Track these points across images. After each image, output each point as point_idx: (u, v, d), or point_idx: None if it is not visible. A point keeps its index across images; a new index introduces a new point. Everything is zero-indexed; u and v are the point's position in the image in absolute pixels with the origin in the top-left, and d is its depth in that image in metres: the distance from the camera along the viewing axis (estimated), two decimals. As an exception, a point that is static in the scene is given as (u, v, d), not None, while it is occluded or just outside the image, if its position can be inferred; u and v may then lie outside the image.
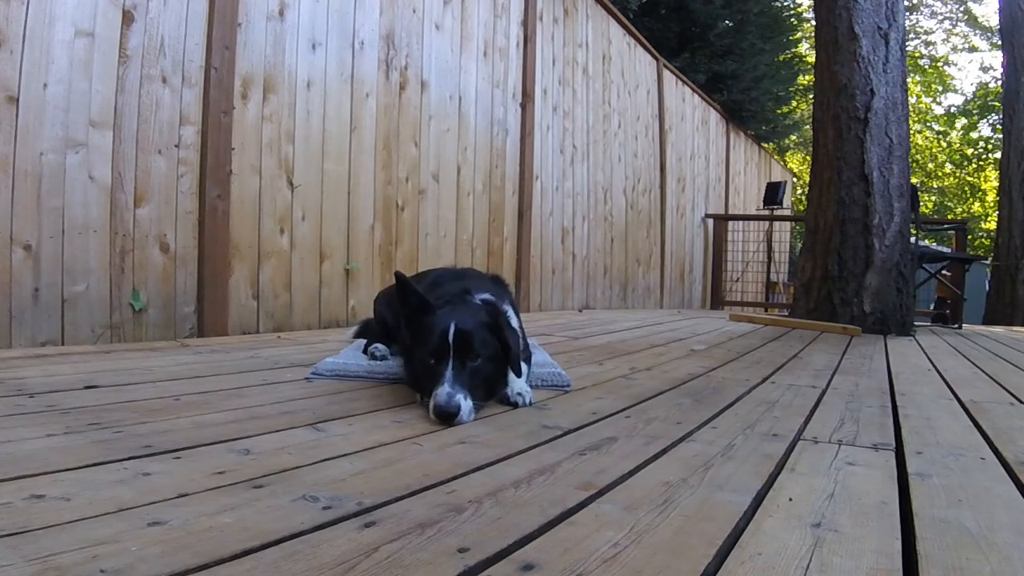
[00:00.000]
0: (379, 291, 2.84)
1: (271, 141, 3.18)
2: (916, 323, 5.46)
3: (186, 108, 2.81)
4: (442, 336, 1.56)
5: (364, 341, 2.40)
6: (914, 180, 8.47)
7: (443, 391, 1.48)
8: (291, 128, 3.29)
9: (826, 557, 0.82)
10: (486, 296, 1.88)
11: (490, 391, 1.66)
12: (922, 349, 3.82)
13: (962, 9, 22.33)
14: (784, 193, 10.07)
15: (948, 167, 23.77)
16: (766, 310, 9.06)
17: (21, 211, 2.30)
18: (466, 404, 1.49)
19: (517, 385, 1.73)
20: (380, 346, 2.28)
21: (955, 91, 32.00)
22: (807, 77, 13.17)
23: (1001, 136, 11.89)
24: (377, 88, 3.78)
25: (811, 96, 7.86)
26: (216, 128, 2.90)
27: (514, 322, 1.88)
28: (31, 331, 2.33)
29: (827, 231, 5.10)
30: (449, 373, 1.51)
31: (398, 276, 1.70)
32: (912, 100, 21.94)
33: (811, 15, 11.37)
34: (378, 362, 2.16)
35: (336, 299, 3.57)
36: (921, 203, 11.84)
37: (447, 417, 1.45)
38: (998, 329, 6.99)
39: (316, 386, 1.84)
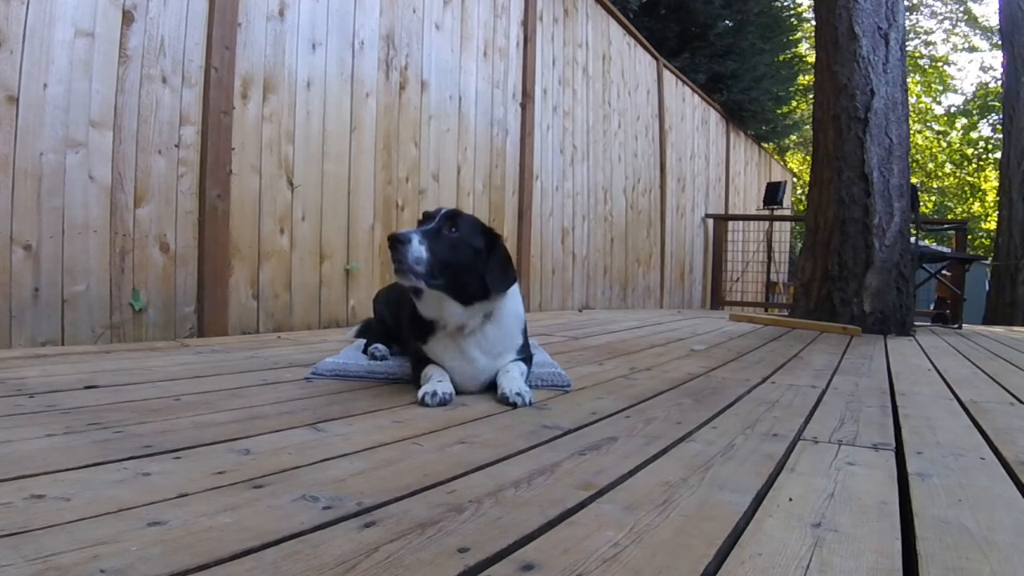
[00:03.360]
0: (378, 290, 2.84)
1: (271, 141, 3.18)
2: (916, 323, 5.46)
3: (186, 108, 2.81)
4: (436, 211, 1.69)
5: (364, 341, 2.41)
6: (914, 180, 8.46)
7: (406, 231, 1.57)
8: (291, 128, 3.29)
9: (826, 557, 0.82)
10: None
11: (453, 271, 1.64)
12: (922, 349, 3.82)
13: (962, 9, 22.34)
14: (784, 193, 10.07)
15: (948, 167, 23.77)
16: (766, 310, 9.06)
17: (21, 211, 2.30)
18: (418, 247, 1.56)
19: (516, 385, 1.73)
20: (380, 346, 2.28)
21: (955, 91, 32.03)
22: (807, 77, 13.18)
23: (1001, 136, 11.90)
24: (377, 88, 3.78)
25: (811, 96, 7.87)
26: (216, 128, 2.90)
27: (519, 307, 1.89)
28: (31, 331, 2.33)
29: (827, 231, 5.10)
30: (423, 229, 1.61)
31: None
32: (912, 100, 21.94)
33: (811, 15, 11.37)
34: (378, 362, 2.16)
35: (336, 299, 3.57)
36: (921, 203, 11.85)
37: (396, 241, 1.54)
38: (998, 329, 6.99)
39: (316, 386, 1.83)
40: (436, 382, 1.71)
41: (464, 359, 1.78)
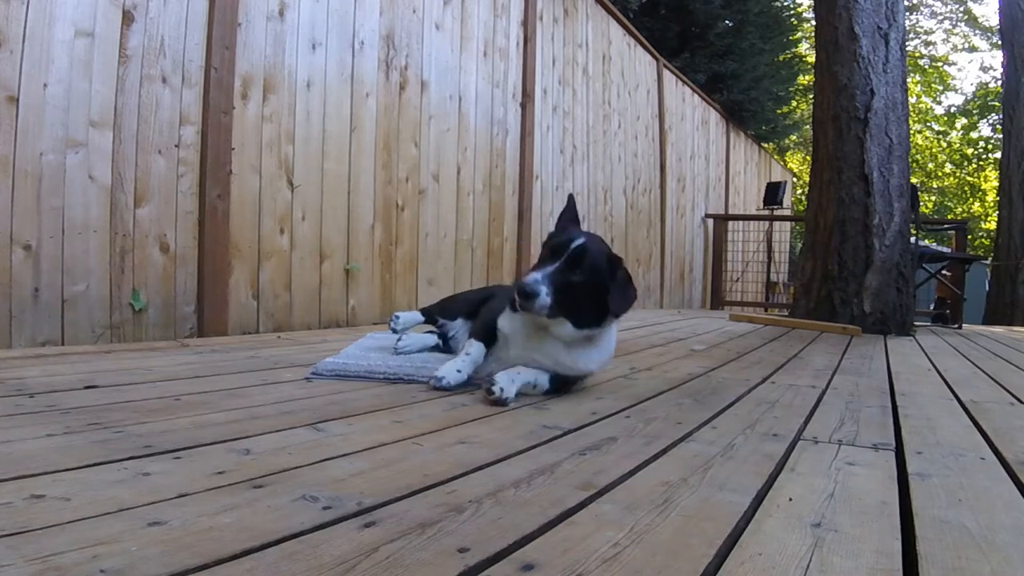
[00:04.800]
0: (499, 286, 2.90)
1: (271, 141, 3.18)
2: (916, 323, 5.46)
3: (186, 108, 2.81)
4: (566, 242, 1.66)
5: (371, 335, 2.43)
6: (914, 180, 8.47)
7: (532, 275, 1.58)
8: (291, 128, 3.29)
9: (826, 557, 0.82)
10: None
11: (576, 315, 1.69)
12: (922, 349, 3.82)
13: (962, 9, 22.34)
14: (784, 193, 10.07)
15: (948, 167, 23.77)
16: (766, 310, 9.06)
17: (21, 211, 2.30)
18: (545, 299, 1.56)
19: (506, 379, 1.76)
20: (407, 338, 2.34)
21: (955, 91, 32.05)
22: (807, 77, 13.18)
23: (1001, 136, 11.91)
24: (377, 88, 3.78)
25: (811, 96, 7.87)
26: (216, 128, 2.90)
27: (612, 344, 1.92)
28: (31, 331, 2.33)
29: (827, 231, 5.10)
30: (549, 269, 1.59)
31: (571, 197, 1.90)
32: (912, 100, 21.94)
33: (811, 15, 11.37)
34: (380, 362, 2.14)
35: (336, 299, 3.57)
36: (921, 203, 11.85)
37: (526, 295, 1.54)
38: (998, 329, 6.99)
39: (316, 386, 1.83)
40: (459, 361, 1.83)
41: (531, 349, 1.80)
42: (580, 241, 1.65)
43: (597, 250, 1.70)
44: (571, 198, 1.91)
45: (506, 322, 1.86)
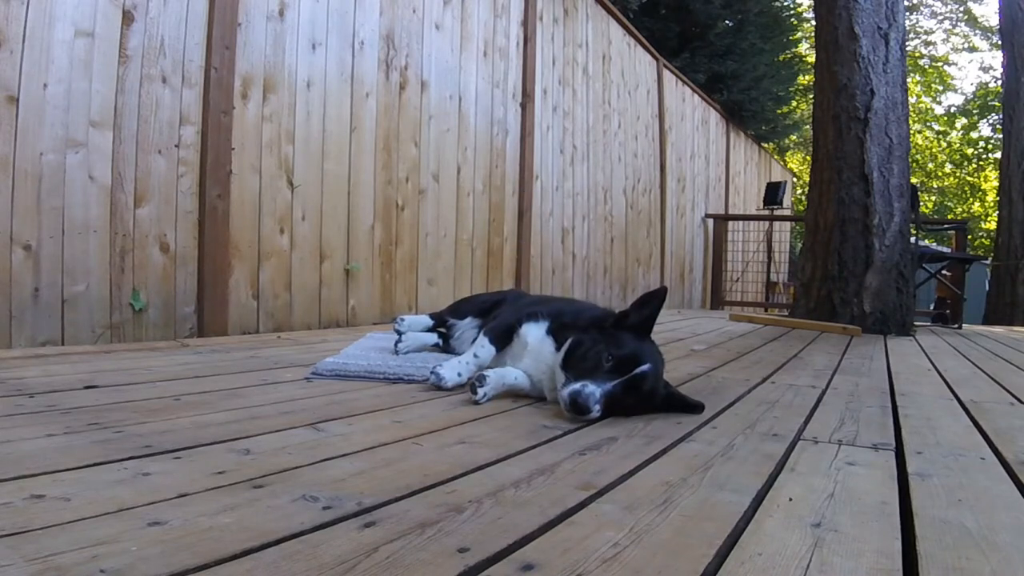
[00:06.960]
0: (513, 292, 2.87)
1: (271, 141, 3.18)
2: (916, 323, 5.46)
3: (186, 108, 2.81)
4: (630, 360, 1.58)
5: (371, 335, 2.43)
6: (914, 180, 8.47)
7: (590, 388, 1.51)
8: (291, 128, 3.29)
9: (826, 557, 0.82)
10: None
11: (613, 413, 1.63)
12: (922, 349, 3.82)
13: (962, 9, 22.35)
14: (784, 193, 10.07)
15: (948, 167, 23.78)
16: (766, 310, 9.06)
17: (21, 211, 2.30)
18: (596, 415, 1.52)
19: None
20: (409, 337, 2.34)
21: (955, 91, 32.05)
22: (807, 77, 13.18)
23: (1001, 136, 11.91)
24: (377, 88, 3.78)
25: (811, 96, 7.87)
26: (216, 128, 2.90)
27: None
28: (31, 331, 2.33)
29: (827, 231, 5.10)
30: (608, 387, 1.54)
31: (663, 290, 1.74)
32: (912, 100, 21.95)
33: (811, 15, 11.37)
34: (380, 362, 2.15)
35: (336, 299, 3.57)
36: (921, 203, 11.86)
37: (579, 409, 1.50)
38: (998, 329, 6.99)
39: (316, 386, 1.83)
40: (463, 364, 1.84)
41: (536, 371, 1.78)
42: (645, 368, 1.58)
43: (655, 375, 1.63)
44: (664, 291, 1.72)
45: (532, 331, 1.82)
